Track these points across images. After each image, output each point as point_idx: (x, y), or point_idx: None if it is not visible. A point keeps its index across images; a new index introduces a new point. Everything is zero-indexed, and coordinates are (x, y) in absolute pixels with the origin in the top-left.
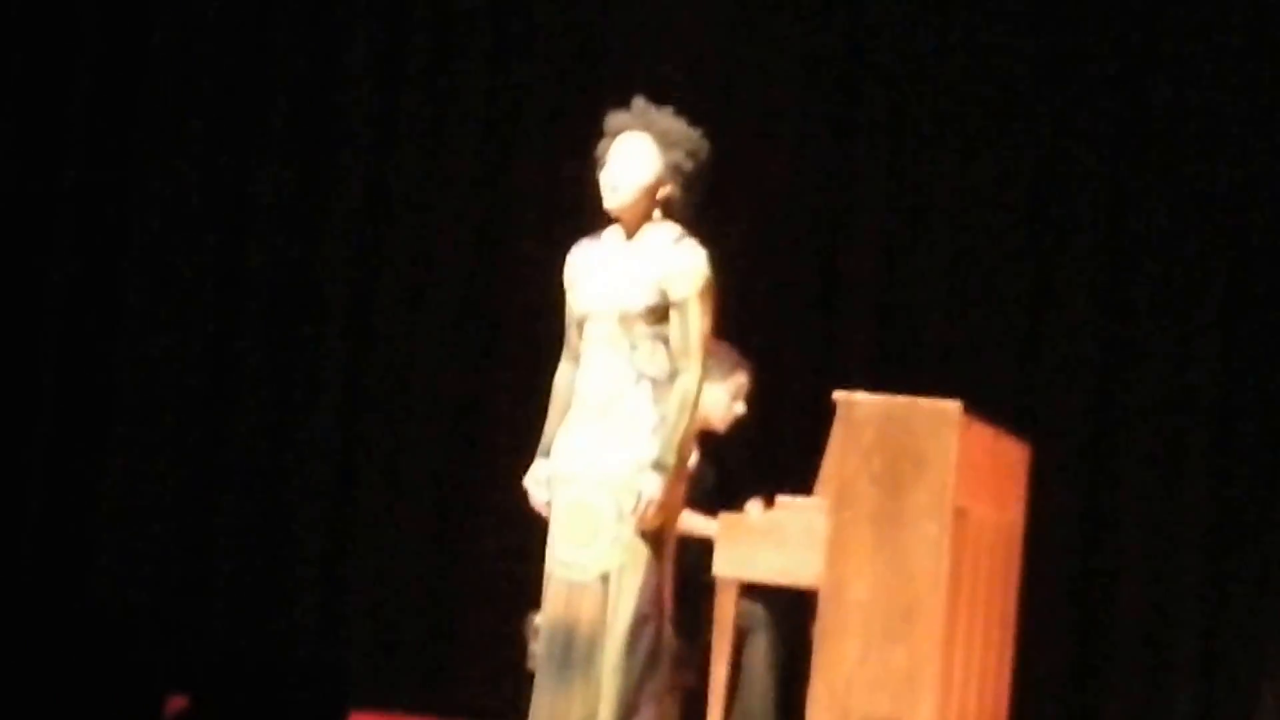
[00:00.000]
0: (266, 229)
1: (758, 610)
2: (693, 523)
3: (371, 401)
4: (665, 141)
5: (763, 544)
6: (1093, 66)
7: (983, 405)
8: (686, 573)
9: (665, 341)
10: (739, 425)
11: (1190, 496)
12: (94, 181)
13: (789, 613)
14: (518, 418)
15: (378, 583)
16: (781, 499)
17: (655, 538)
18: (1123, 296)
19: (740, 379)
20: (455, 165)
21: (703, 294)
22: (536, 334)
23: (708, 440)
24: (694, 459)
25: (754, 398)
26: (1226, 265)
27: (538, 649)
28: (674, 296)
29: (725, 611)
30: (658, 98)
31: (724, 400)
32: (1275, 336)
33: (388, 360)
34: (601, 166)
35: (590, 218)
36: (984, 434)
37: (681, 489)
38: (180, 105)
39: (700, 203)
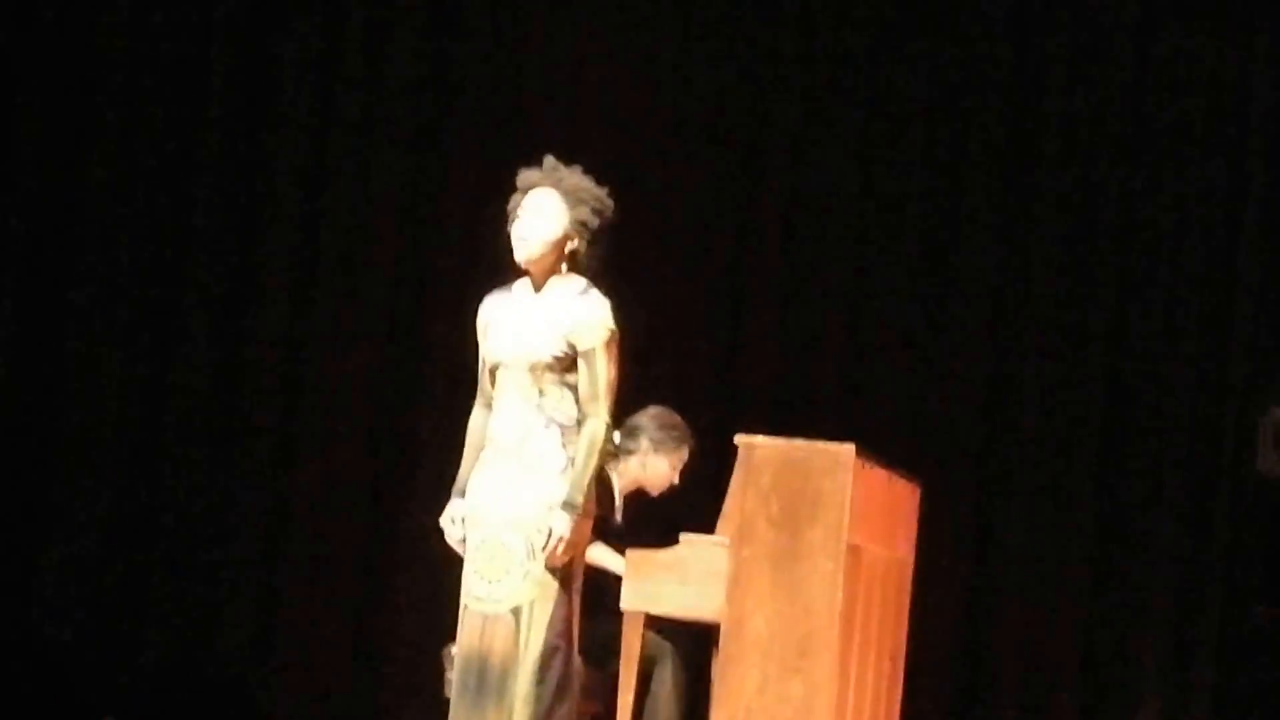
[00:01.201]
0: (200, 275)
1: (663, 642)
2: (603, 557)
3: (301, 442)
4: (573, 198)
5: (667, 579)
6: (983, 115)
7: (875, 447)
8: (595, 606)
9: (573, 389)
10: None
11: (1073, 533)
12: (37, 225)
13: (692, 644)
14: (435, 460)
15: (305, 613)
16: (685, 537)
17: (564, 573)
18: (1007, 340)
19: (684, 454)
20: (381, 217)
21: (608, 344)
22: (453, 381)
23: (635, 499)
24: (621, 515)
25: (687, 473)
26: (1111, 306)
27: (453, 678)
28: (581, 347)
29: (632, 643)
30: (568, 155)
31: (665, 471)
32: (1158, 378)
33: (316, 403)
34: (512, 220)
35: (503, 269)
36: (876, 475)
37: (589, 526)
38: (122, 172)
39: (605, 256)
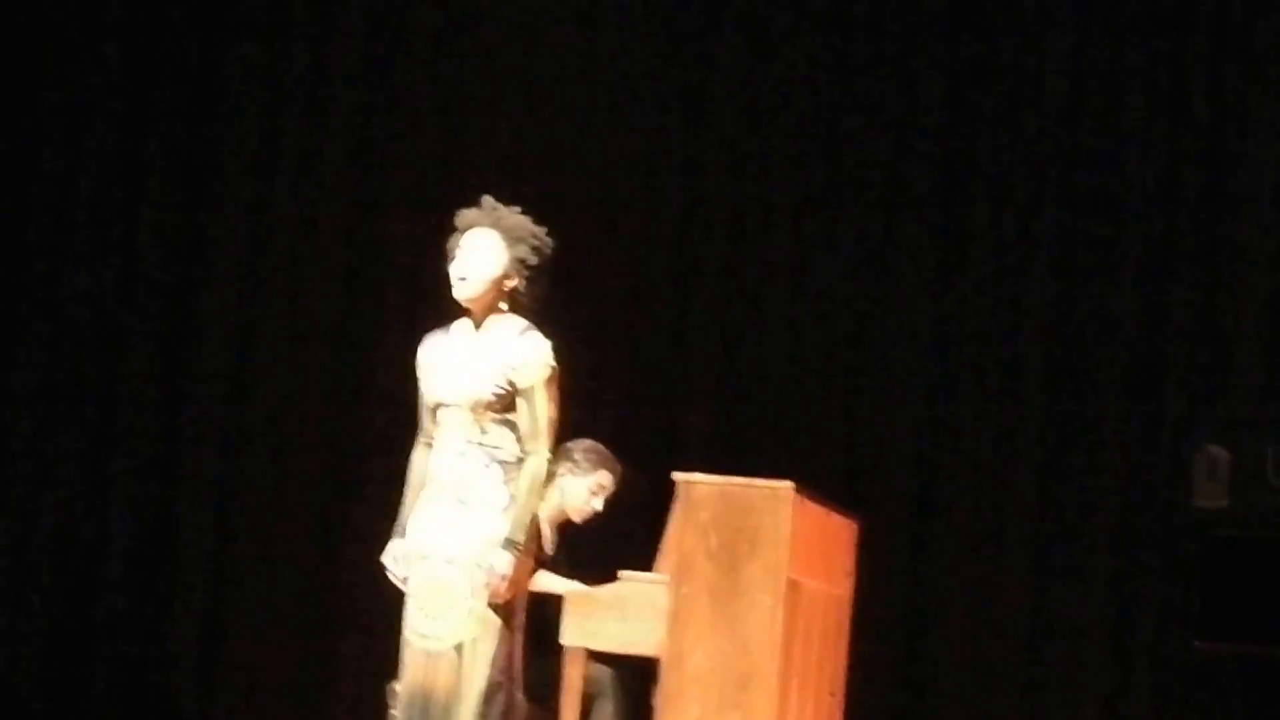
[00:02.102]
0: (144, 324)
1: (604, 677)
2: (549, 583)
3: (245, 482)
4: (511, 237)
5: (608, 616)
6: (918, 157)
7: (813, 483)
8: (538, 644)
9: (513, 427)
10: (593, 518)
11: (1010, 568)
12: None
13: (633, 680)
14: (378, 499)
15: (249, 651)
16: (625, 574)
17: (506, 609)
18: (943, 377)
19: (602, 478)
20: (322, 259)
21: (548, 382)
22: (395, 421)
23: (564, 530)
24: (552, 544)
25: (614, 498)
26: (1045, 343)
27: (397, 714)
28: (521, 385)
29: (573, 678)
30: (508, 194)
31: (584, 494)
32: (1093, 415)
33: (260, 445)
34: (451, 260)
35: (444, 309)
36: (814, 511)
37: (530, 563)
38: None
39: (544, 294)
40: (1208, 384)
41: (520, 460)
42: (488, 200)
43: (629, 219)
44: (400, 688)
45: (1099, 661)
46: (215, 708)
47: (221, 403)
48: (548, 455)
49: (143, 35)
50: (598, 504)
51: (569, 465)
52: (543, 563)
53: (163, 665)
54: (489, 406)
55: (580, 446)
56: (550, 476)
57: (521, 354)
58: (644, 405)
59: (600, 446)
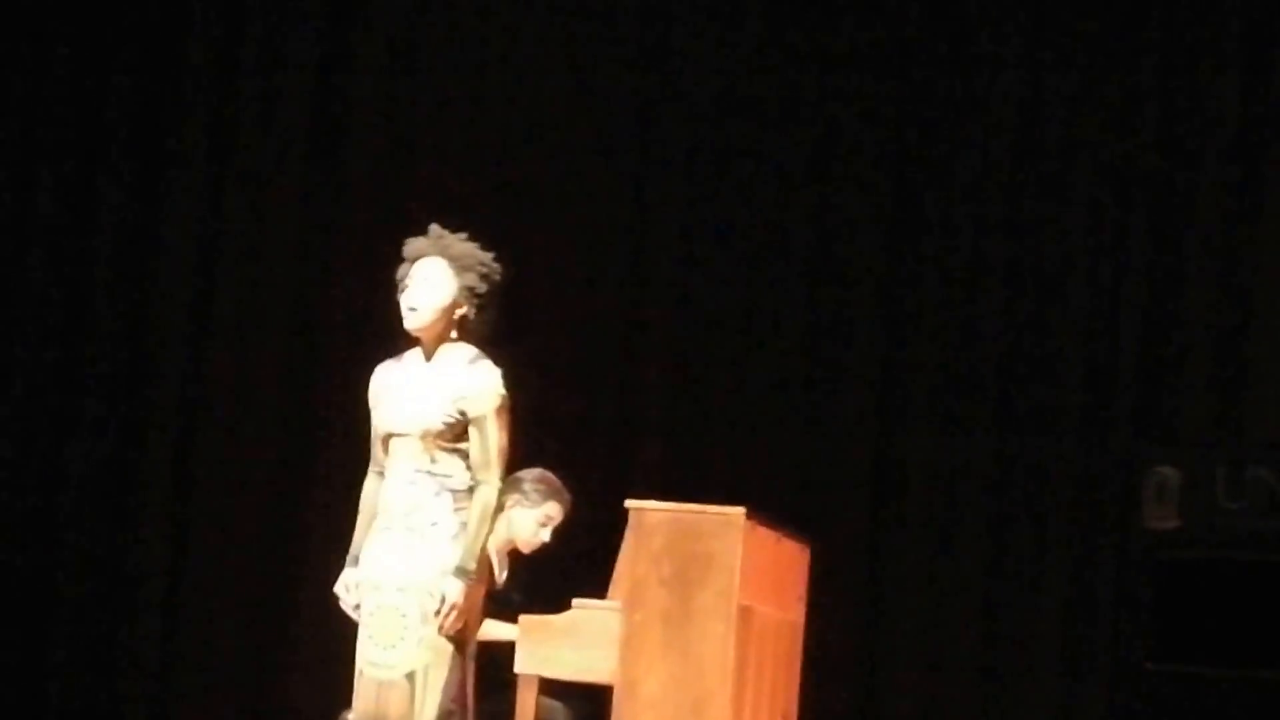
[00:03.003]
0: (96, 354)
1: (557, 705)
2: (496, 630)
3: (196, 513)
4: (460, 265)
5: (561, 643)
6: (866, 177)
7: (764, 509)
8: (490, 677)
9: (464, 455)
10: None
11: (962, 591)
12: None
13: (586, 708)
14: (330, 529)
15: (201, 682)
16: (578, 602)
17: (458, 638)
18: (893, 400)
19: (550, 509)
20: (272, 290)
21: (499, 411)
22: (347, 451)
23: (514, 559)
24: (503, 576)
25: (562, 529)
26: (995, 367)
27: None
28: (472, 414)
29: (526, 706)
30: (457, 220)
31: (532, 526)
32: (1043, 438)
33: (211, 476)
34: (401, 290)
35: (394, 338)
36: (766, 537)
37: (482, 591)
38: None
39: (494, 322)
40: (1157, 405)
41: (471, 489)
42: (435, 228)
43: (578, 245)
44: (353, 717)
45: (1052, 683)
46: None
47: (169, 437)
48: (499, 484)
49: (93, 55)
50: (546, 535)
51: (518, 496)
52: (492, 592)
53: (114, 699)
54: (440, 436)
55: (530, 476)
56: (500, 506)
57: (472, 383)
58: (595, 432)
59: (550, 476)
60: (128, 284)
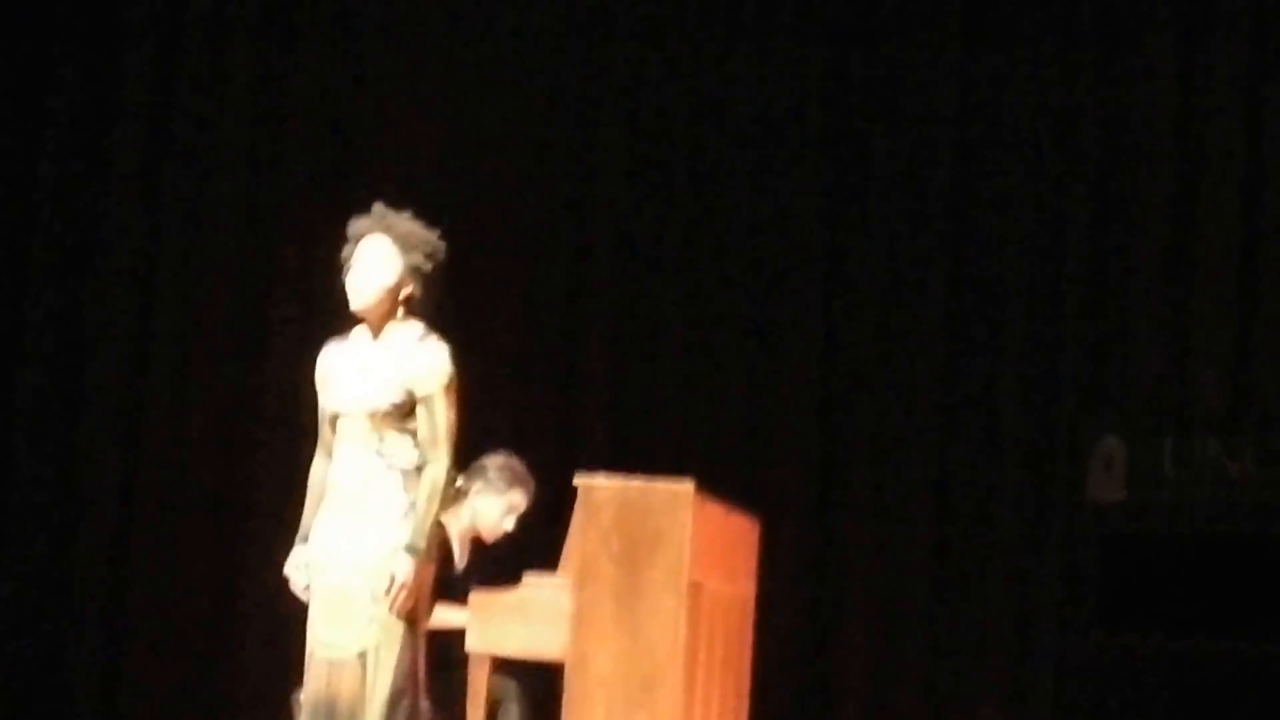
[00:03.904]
0: (38, 335)
1: (508, 682)
2: (449, 617)
3: (143, 494)
4: (405, 244)
5: (511, 620)
6: (809, 149)
7: (713, 483)
8: (441, 656)
9: (413, 434)
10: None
11: (911, 563)
12: None
13: (537, 684)
14: (278, 510)
15: (151, 665)
16: (528, 578)
17: (409, 616)
18: (840, 373)
19: (515, 497)
20: (216, 270)
21: (447, 389)
22: (295, 431)
23: (475, 547)
24: (464, 562)
25: (526, 516)
26: (941, 337)
27: None
28: (420, 393)
29: (478, 684)
30: (399, 198)
31: (496, 513)
32: (990, 409)
33: (157, 457)
34: (346, 270)
35: (340, 318)
36: (715, 511)
37: (432, 570)
38: None
39: (439, 300)
40: (1103, 377)
41: (420, 468)
42: (379, 207)
43: (522, 222)
44: (304, 697)
45: (1000, 654)
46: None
47: (116, 417)
48: (448, 462)
49: (31, 40)
50: (509, 524)
51: (482, 484)
52: (452, 578)
53: (62, 683)
54: (388, 415)
55: (494, 464)
56: (463, 493)
57: (420, 361)
58: (542, 408)
59: (515, 463)
60: (68, 263)
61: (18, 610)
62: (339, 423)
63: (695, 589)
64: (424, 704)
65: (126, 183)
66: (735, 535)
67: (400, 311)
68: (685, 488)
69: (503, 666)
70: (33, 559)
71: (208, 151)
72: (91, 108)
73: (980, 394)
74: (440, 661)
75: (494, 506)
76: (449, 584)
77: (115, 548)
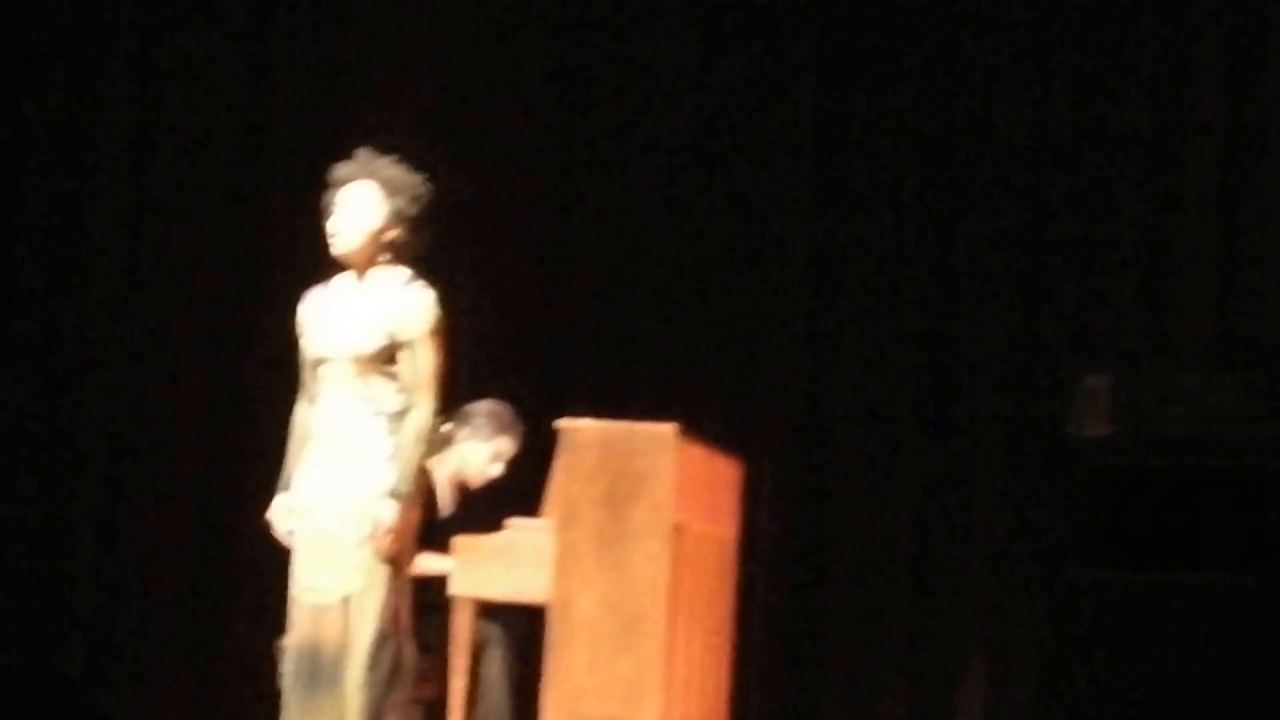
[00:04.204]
0: (25, 286)
1: (492, 626)
2: (433, 563)
3: (130, 442)
4: (389, 188)
5: (495, 564)
6: (794, 109)
7: (696, 426)
8: (425, 601)
9: (396, 379)
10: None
11: (895, 502)
12: None
13: (522, 627)
14: (264, 456)
15: (142, 612)
16: (511, 522)
17: (393, 561)
18: (824, 314)
19: (503, 444)
20: (204, 217)
21: (432, 333)
22: (280, 377)
23: (463, 492)
24: (450, 506)
25: (514, 462)
26: (924, 277)
27: (286, 669)
28: (404, 337)
29: (462, 628)
30: (386, 143)
31: (482, 459)
32: (973, 348)
33: (144, 403)
34: (329, 215)
35: (327, 263)
36: (698, 454)
37: (417, 514)
38: None
39: (426, 244)
40: (1087, 313)
41: (404, 413)
42: (364, 152)
43: (507, 166)
44: (288, 643)
45: (984, 591)
46: (109, 675)
47: (102, 366)
48: (432, 406)
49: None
50: (496, 470)
51: (469, 430)
52: (439, 524)
53: (55, 634)
54: (372, 359)
55: (482, 410)
56: (450, 440)
57: (405, 306)
58: (525, 351)
59: (502, 409)
60: (58, 218)
61: (4, 562)
62: (322, 367)
63: (678, 531)
64: (408, 648)
65: (114, 138)
66: (718, 477)
67: (385, 256)
68: (668, 430)
69: (487, 610)
70: (20, 500)
71: (197, 99)
72: (79, 64)
73: (964, 331)
74: (424, 606)
75: (481, 453)
76: (435, 530)
77: (104, 497)
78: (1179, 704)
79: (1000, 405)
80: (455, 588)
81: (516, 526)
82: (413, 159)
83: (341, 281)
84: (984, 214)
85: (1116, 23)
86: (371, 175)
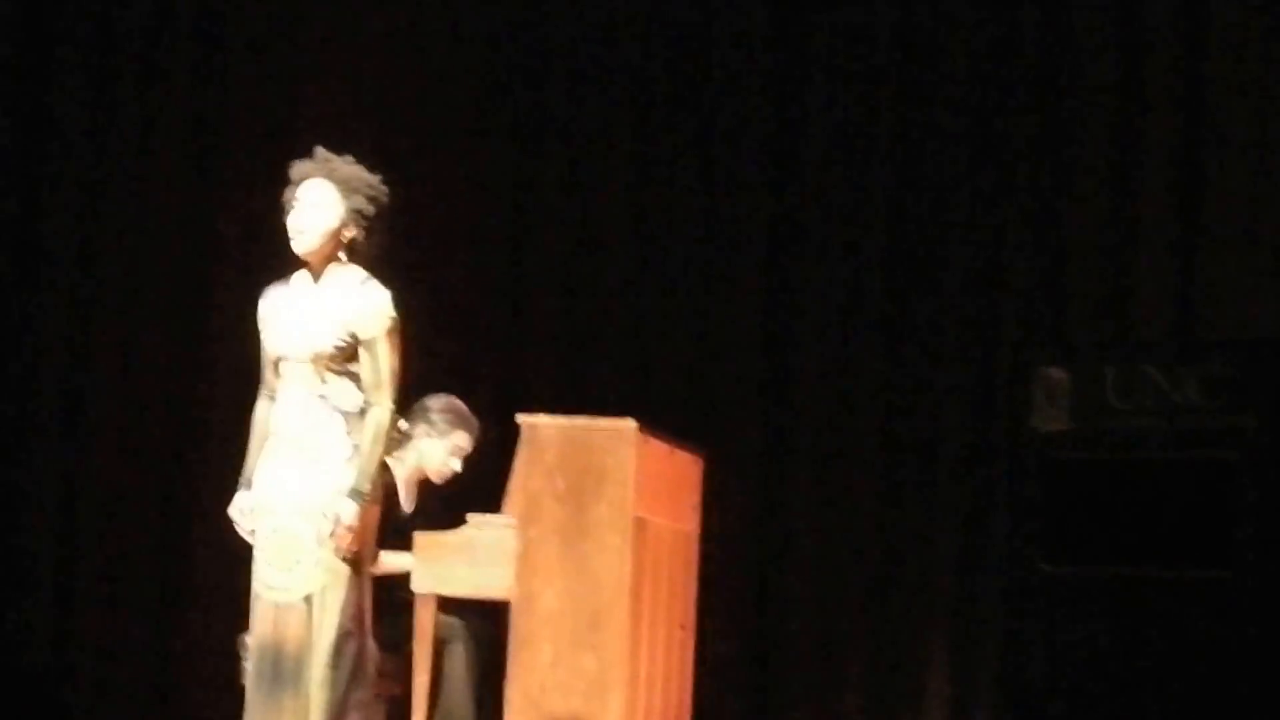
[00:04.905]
0: None
1: (455, 622)
2: (395, 561)
3: (90, 441)
4: (347, 188)
5: (457, 560)
6: (744, 99)
7: (656, 421)
8: (386, 599)
9: (355, 378)
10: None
11: (856, 496)
12: None
13: (484, 623)
14: (224, 454)
15: (103, 610)
16: (473, 518)
17: (355, 558)
18: (784, 309)
19: (460, 439)
20: (159, 214)
21: (390, 332)
22: (239, 376)
23: (423, 487)
24: (410, 503)
25: (472, 457)
26: (883, 271)
27: (249, 667)
28: (362, 336)
29: (425, 624)
30: (343, 142)
31: (441, 455)
32: (932, 342)
33: (103, 401)
34: (288, 213)
35: (284, 262)
36: (659, 448)
37: (377, 512)
38: None
39: (383, 243)
40: (1044, 309)
41: (363, 411)
42: (321, 151)
43: (463, 163)
44: (250, 640)
45: (946, 586)
46: (69, 671)
47: (61, 363)
48: (391, 405)
49: None
50: (455, 465)
51: (425, 426)
52: (400, 521)
53: (15, 630)
54: (330, 359)
55: (437, 405)
56: (407, 437)
57: (362, 305)
58: (485, 348)
59: (457, 404)
60: (12, 206)
61: None
62: (282, 366)
63: (640, 526)
64: (370, 646)
65: (70, 127)
66: (679, 472)
67: (343, 255)
68: (628, 425)
69: (449, 607)
70: None
71: (152, 94)
72: (33, 51)
73: (924, 326)
74: (387, 603)
75: (438, 448)
76: (398, 527)
77: (64, 494)
78: (1140, 697)
79: (961, 399)
80: (417, 585)
81: (478, 523)
82: (369, 158)
83: (300, 280)
84: (944, 208)
85: (1077, 20)
86: (329, 174)
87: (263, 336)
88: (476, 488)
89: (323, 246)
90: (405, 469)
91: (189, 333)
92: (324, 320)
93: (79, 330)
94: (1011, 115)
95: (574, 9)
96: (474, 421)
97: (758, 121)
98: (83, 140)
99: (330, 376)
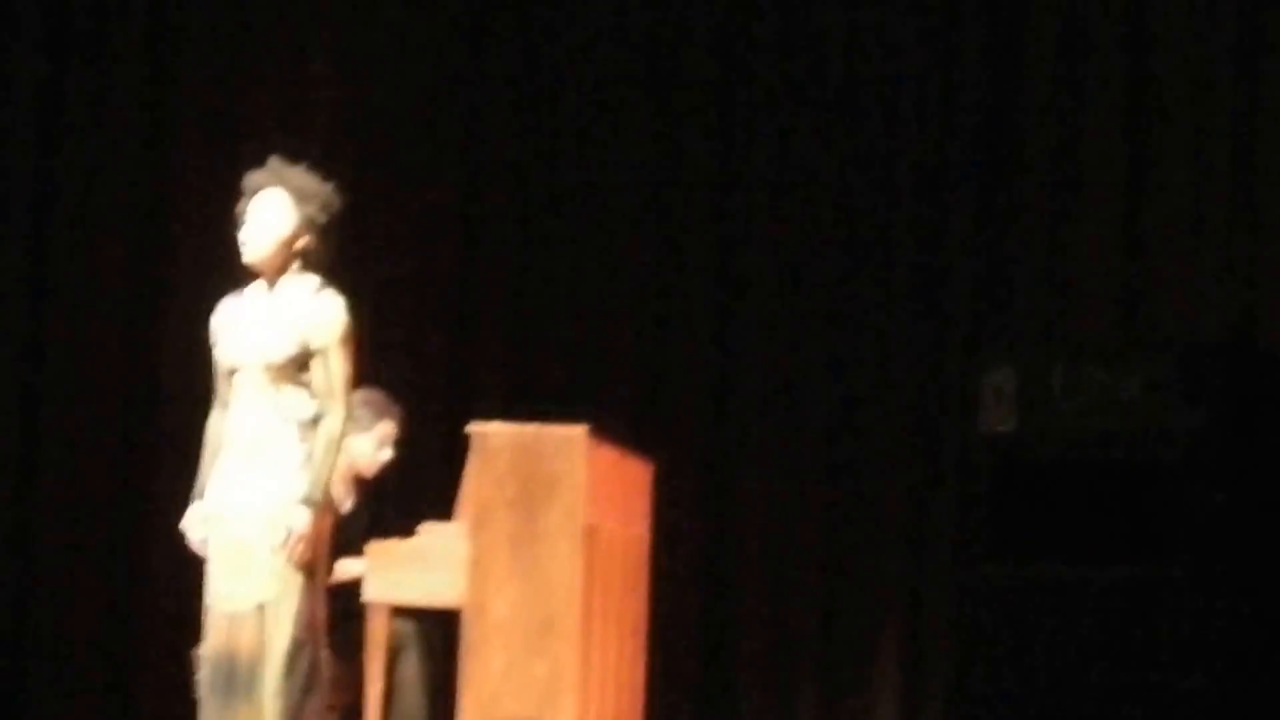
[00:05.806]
0: None
1: (408, 630)
2: (348, 568)
3: (43, 450)
4: (300, 196)
5: (409, 568)
6: (694, 99)
7: (606, 428)
8: (340, 599)
9: (309, 387)
10: (386, 469)
11: (806, 500)
12: None
13: (436, 631)
14: (177, 465)
15: (55, 618)
16: (425, 526)
17: (308, 568)
18: (732, 314)
19: (385, 428)
20: (111, 226)
21: (343, 341)
22: (193, 385)
23: (360, 485)
24: (349, 503)
25: (402, 442)
26: (831, 274)
27: (202, 678)
28: (316, 345)
29: (377, 633)
30: (294, 151)
31: (370, 448)
32: (880, 344)
33: (56, 411)
34: (241, 223)
35: (238, 272)
36: (610, 455)
37: (329, 521)
38: None
39: (335, 251)
40: (992, 306)
41: (316, 420)
42: (274, 160)
43: (413, 167)
44: (204, 651)
45: (893, 589)
46: (22, 678)
47: (13, 373)
48: (344, 413)
49: None
50: (386, 454)
51: (351, 422)
52: (339, 521)
53: None
54: (284, 367)
55: (357, 400)
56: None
57: (315, 313)
58: (435, 355)
59: (375, 395)
60: None
61: None
62: (235, 376)
63: (591, 532)
64: (324, 655)
65: (18, 133)
66: (630, 478)
67: (296, 264)
68: (578, 432)
69: (402, 615)
70: None
71: (102, 100)
72: None
73: (870, 327)
74: (340, 612)
75: (366, 442)
76: (350, 536)
77: (17, 503)
78: (1087, 698)
79: (906, 401)
80: (369, 593)
81: (429, 531)
82: (321, 166)
83: (253, 289)
84: (888, 210)
85: (1021, 19)
86: (282, 183)
87: (216, 347)
88: (429, 496)
89: (276, 256)
90: (337, 470)
91: (144, 341)
92: (278, 329)
93: (32, 339)
94: (956, 115)
95: (522, 7)
96: (395, 408)
97: (706, 128)
98: (33, 140)
99: (284, 385)
